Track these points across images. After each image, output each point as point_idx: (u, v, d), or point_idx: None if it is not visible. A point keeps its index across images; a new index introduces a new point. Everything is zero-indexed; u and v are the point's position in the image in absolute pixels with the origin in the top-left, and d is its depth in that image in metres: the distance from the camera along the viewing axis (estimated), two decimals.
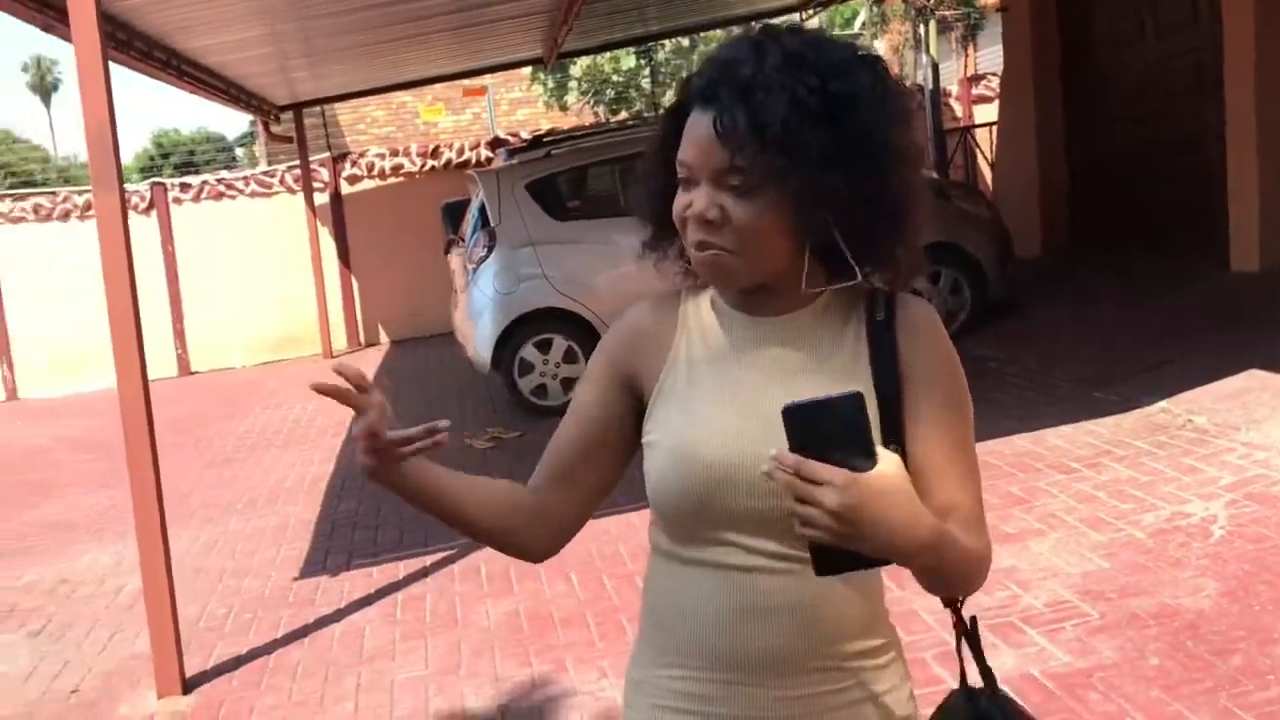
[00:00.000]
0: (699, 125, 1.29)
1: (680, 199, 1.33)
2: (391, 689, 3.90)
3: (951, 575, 1.28)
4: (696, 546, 1.35)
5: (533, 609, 4.36)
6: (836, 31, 20.43)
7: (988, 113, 12.21)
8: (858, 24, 19.44)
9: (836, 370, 1.34)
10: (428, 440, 1.33)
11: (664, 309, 1.45)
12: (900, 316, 1.35)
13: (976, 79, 13.76)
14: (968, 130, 12.39)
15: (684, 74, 1.90)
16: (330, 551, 5.51)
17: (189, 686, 4.09)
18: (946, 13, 16.16)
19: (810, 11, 11.84)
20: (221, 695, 4.03)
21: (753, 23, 14.17)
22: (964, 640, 1.43)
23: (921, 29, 13.43)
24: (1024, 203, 10.01)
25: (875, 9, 17.50)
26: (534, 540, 1.46)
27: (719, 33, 12.66)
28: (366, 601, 4.74)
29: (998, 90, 11.42)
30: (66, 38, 5.90)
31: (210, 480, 7.32)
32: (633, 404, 1.43)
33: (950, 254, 7.69)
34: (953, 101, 13.39)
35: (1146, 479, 4.76)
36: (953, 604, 1.41)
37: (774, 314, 1.37)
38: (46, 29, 6.07)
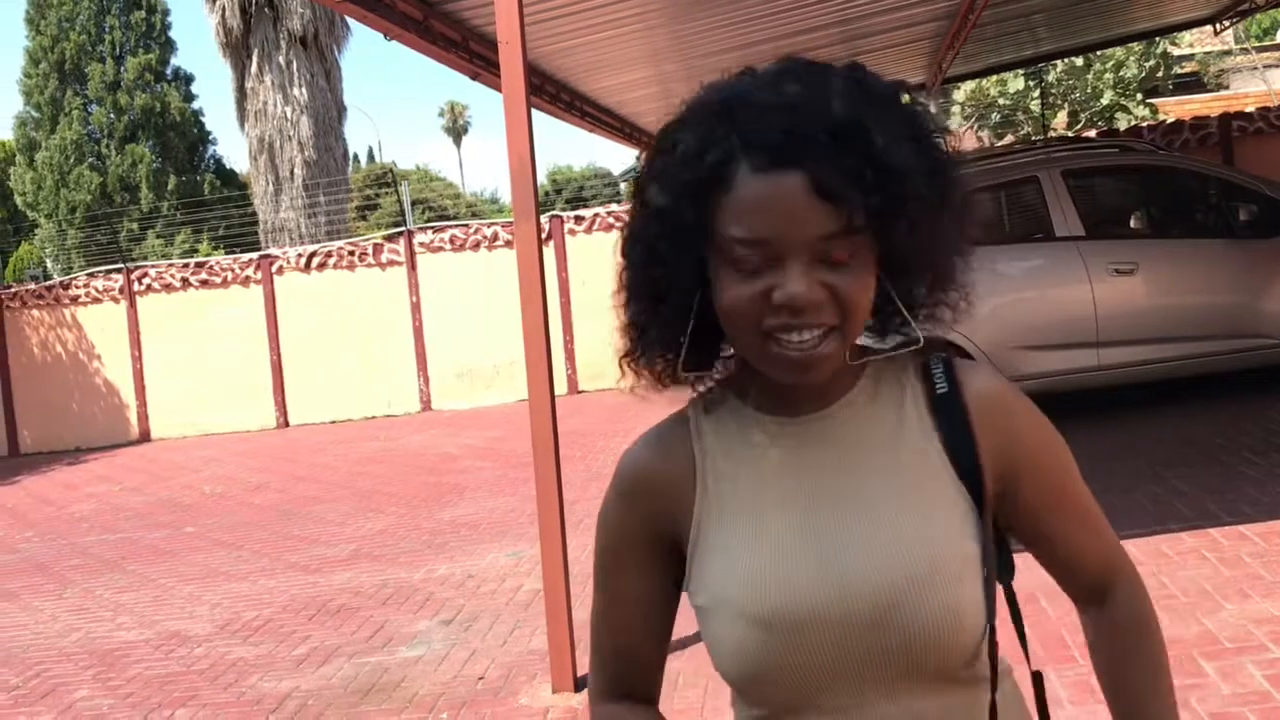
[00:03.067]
0: (779, 189, 0.99)
1: (743, 289, 1.02)
2: None
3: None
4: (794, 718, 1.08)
5: None
6: (1253, 43, 18.55)
7: None
8: None
9: (906, 466, 1.09)
10: None
11: (671, 439, 1.17)
12: (968, 389, 1.11)
13: None
14: None
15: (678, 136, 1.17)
16: None
17: (580, 685, 4.35)
18: None
19: (1225, 23, 10.85)
20: None
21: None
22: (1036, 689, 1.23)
23: None
24: None
25: None
26: None
27: (1118, 51, 11.90)
28: None
29: None
30: (491, 85, 6.57)
31: (594, 492, 7.77)
32: (678, 557, 1.16)
33: None
34: None
35: None
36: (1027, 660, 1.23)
37: (819, 407, 1.11)
38: (474, 77, 6.78)
